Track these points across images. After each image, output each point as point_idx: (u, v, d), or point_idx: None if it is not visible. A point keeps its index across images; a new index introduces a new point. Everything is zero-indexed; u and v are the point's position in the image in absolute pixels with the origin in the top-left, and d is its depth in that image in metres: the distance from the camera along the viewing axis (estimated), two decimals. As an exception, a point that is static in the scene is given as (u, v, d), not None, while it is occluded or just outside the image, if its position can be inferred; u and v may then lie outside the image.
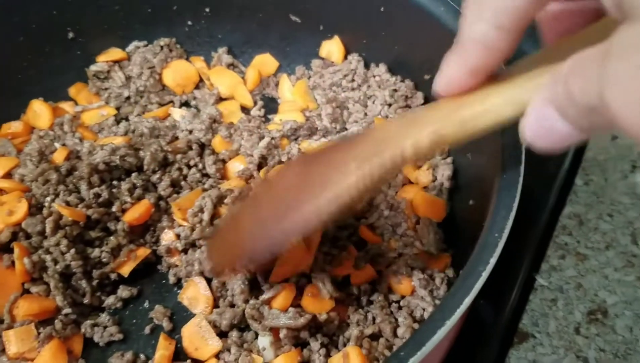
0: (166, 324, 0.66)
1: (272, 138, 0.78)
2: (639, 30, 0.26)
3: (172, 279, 0.70)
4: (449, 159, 0.74)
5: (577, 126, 0.32)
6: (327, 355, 0.60)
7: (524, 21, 0.35)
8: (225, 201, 0.72)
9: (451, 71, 0.40)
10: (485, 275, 0.45)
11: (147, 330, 0.66)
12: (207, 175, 0.77)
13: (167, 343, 0.64)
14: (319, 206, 0.45)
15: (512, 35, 0.36)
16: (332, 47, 0.87)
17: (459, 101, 0.41)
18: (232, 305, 0.65)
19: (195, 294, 0.67)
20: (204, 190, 0.74)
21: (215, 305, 0.66)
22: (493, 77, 0.40)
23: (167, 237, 0.72)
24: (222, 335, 0.63)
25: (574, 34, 0.38)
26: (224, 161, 0.78)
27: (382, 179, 0.44)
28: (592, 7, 0.38)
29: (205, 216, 0.69)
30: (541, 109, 0.33)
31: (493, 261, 0.45)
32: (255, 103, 0.88)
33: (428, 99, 0.79)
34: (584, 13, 0.39)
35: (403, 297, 0.65)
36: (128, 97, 0.89)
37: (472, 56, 0.38)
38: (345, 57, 0.87)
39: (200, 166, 0.78)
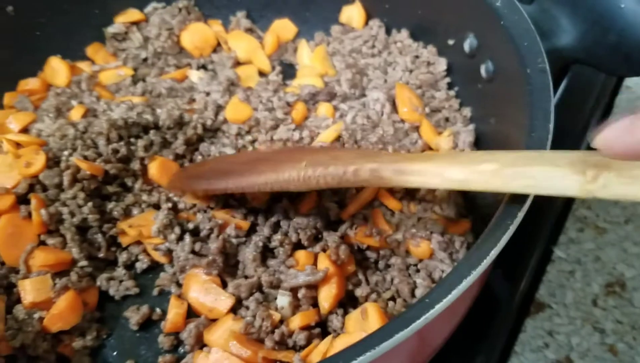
0: (175, 289, 0.65)
1: (287, 102, 0.77)
2: None
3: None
4: (471, 126, 0.72)
5: None
6: (345, 314, 0.59)
7: None
8: None
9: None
10: (512, 228, 0.44)
11: (155, 292, 0.65)
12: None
13: (179, 303, 0.63)
14: (266, 179, 0.58)
15: None
16: (352, 13, 0.86)
17: (407, 155, 0.52)
18: (246, 277, 0.64)
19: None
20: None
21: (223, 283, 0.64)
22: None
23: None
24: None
25: None
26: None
27: (323, 182, 0.54)
28: None
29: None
30: None
31: (521, 215, 0.45)
32: (273, 68, 0.87)
33: (451, 66, 0.78)
34: None
35: (421, 261, 0.64)
36: (145, 59, 0.88)
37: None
38: (366, 23, 0.86)
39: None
